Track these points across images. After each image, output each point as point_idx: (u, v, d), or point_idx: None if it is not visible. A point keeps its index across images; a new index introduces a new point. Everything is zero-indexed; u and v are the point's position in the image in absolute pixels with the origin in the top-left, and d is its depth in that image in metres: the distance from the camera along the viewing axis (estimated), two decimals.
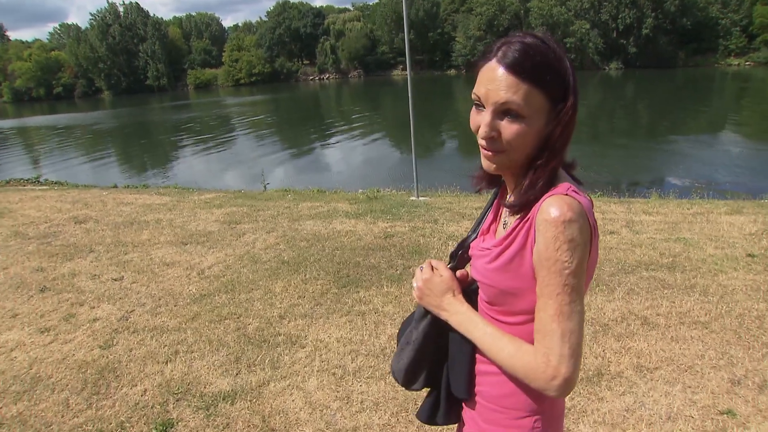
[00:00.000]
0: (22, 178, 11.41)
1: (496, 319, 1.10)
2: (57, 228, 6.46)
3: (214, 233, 5.97)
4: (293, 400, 2.89)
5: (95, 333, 3.78)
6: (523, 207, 1.03)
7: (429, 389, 1.28)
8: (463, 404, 1.24)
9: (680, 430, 2.60)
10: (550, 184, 1.03)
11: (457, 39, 66.39)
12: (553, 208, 0.96)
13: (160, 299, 4.28)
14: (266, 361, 3.28)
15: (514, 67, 0.97)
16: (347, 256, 4.96)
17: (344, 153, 18.41)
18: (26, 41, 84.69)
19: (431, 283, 1.16)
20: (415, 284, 1.20)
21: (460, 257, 1.24)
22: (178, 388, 3.04)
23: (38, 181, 11.09)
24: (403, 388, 1.34)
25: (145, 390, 3.06)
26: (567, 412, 2.76)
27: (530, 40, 0.99)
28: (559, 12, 59.68)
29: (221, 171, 15.76)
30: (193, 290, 4.42)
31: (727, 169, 12.88)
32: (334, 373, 3.16)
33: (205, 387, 3.05)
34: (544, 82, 0.98)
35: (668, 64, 55.26)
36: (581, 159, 1.16)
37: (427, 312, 1.20)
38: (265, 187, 10.23)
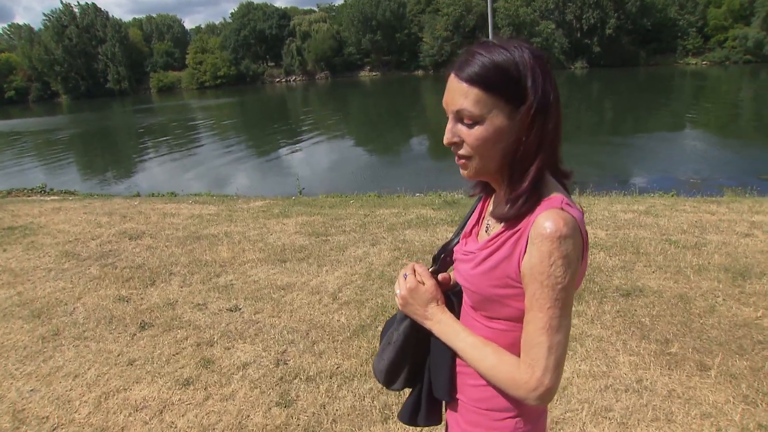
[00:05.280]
0: (24, 188, 10.17)
1: (480, 323, 1.11)
2: (111, 246, 5.52)
3: (307, 248, 5.18)
4: None
5: (258, 384, 2.98)
6: (516, 219, 1.03)
7: (410, 390, 1.29)
8: (447, 406, 1.25)
9: None
10: (539, 193, 1.02)
11: (424, 40, 66.22)
12: (549, 222, 0.96)
13: (308, 334, 3.50)
14: None
15: (463, 74, 1.00)
16: None
17: (343, 155, 17.70)
18: None
19: (416, 293, 1.16)
20: (398, 291, 1.20)
21: (442, 261, 1.24)
22: None
23: (44, 191, 9.89)
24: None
25: None
26: None
27: (487, 47, 1.01)
28: (525, 12, 60.38)
29: (226, 176, 14.76)
30: (343, 320, 3.65)
31: (714, 165, 12.94)
32: (606, 416, 2.59)
33: None
34: (493, 85, 0.99)
35: (630, 63, 56.77)
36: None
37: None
38: (300, 192, 9.42)
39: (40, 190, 9.91)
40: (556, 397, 2.80)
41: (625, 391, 2.83)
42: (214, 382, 3.02)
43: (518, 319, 1.04)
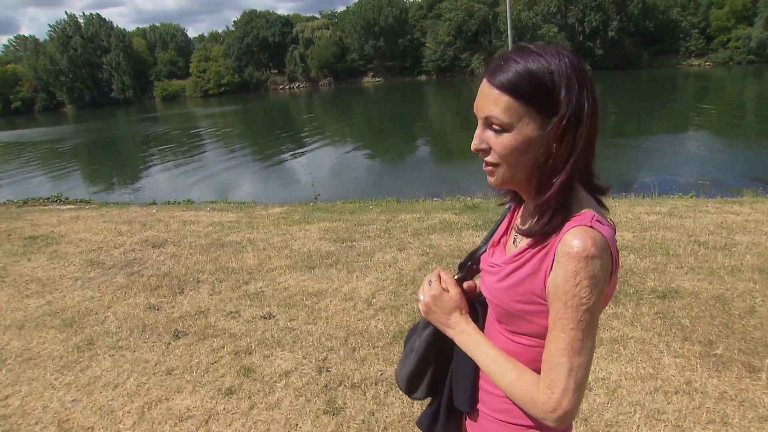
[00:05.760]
0: (40, 197, 10.20)
1: (504, 336, 1.09)
2: (135, 254, 5.51)
3: (334, 254, 5.15)
4: None
5: (302, 392, 2.95)
6: (543, 235, 1.00)
7: (431, 398, 1.27)
8: (466, 416, 1.22)
9: None
10: (568, 208, 0.99)
11: (426, 45, 66.34)
12: (576, 240, 0.93)
13: (346, 340, 3.47)
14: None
15: (495, 81, 0.97)
16: None
17: (351, 161, 17.72)
18: None
19: (439, 301, 1.14)
20: (421, 297, 1.17)
21: (468, 268, 1.21)
22: None
23: (59, 200, 9.90)
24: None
25: None
26: None
27: (522, 53, 0.98)
28: (527, 16, 60.32)
29: (237, 183, 14.78)
30: (381, 326, 3.62)
31: (722, 166, 13.02)
32: (660, 418, 2.58)
33: None
34: (525, 94, 0.96)
35: (633, 65, 56.64)
36: None
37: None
38: (315, 198, 9.41)
39: (55, 199, 9.93)
40: (605, 400, 2.76)
41: (676, 393, 2.79)
42: (257, 391, 2.99)
43: (542, 335, 1.02)
